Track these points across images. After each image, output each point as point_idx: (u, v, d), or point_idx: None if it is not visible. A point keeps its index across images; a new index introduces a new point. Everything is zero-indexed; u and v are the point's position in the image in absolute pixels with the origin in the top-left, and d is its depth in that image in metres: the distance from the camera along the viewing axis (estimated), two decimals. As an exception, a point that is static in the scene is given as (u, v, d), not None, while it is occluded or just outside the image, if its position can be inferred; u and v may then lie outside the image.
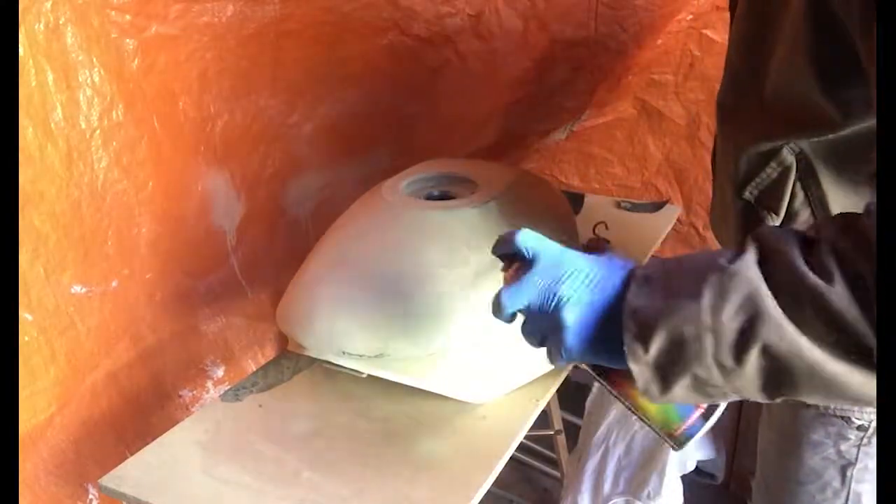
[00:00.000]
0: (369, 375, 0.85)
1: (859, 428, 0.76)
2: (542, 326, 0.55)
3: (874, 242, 0.43)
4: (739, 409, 1.35)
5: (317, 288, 0.87)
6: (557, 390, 0.99)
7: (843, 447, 0.77)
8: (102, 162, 0.91)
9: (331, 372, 0.87)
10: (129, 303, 1.00)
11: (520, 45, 1.33)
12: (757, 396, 0.49)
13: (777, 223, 0.71)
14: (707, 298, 0.46)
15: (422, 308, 0.84)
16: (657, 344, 0.48)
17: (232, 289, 1.17)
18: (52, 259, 0.88)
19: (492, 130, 1.39)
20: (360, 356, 0.84)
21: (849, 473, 0.78)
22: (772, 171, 0.69)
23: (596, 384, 1.05)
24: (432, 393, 0.87)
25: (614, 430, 0.99)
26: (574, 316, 0.52)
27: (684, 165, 1.53)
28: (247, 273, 1.19)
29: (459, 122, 1.40)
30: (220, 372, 1.19)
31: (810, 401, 0.52)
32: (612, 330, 0.50)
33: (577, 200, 1.38)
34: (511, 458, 0.83)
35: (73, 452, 0.98)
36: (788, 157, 0.67)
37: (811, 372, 0.45)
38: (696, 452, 0.90)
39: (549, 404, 1.41)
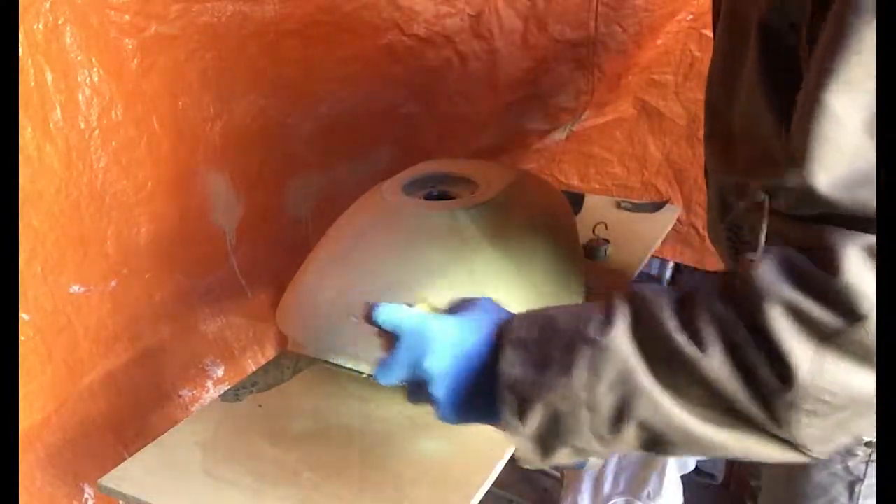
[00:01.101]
0: (369, 375, 0.85)
1: (867, 444, 0.74)
2: (419, 398, 0.55)
3: (749, 304, 0.42)
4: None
5: (317, 288, 0.87)
6: (557, 390, 0.99)
7: (851, 463, 0.75)
8: (101, 162, 0.91)
9: (331, 372, 0.87)
10: (128, 303, 1.00)
11: (520, 45, 1.33)
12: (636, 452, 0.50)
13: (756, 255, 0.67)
14: (580, 374, 0.46)
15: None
16: (535, 419, 0.48)
17: (232, 289, 1.17)
18: (50, 259, 0.88)
19: (492, 130, 1.39)
20: (360, 356, 0.84)
21: (857, 489, 0.76)
22: (744, 206, 0.65)
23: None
24: (432, 393, 0.87)
25: (614, 430, 0.99)
26: (444, 390, 0.52)
27: (684, 165, 1.53)
28: (246, 273, 1.19)
29: (459, 122, 1.40)
30: (219, 372, 1.19)
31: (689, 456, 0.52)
32: (486, 398, 0.50)
33: (577, 200, 1.38)
34: (511, 458, 0.83)
35: (70, 452, 0.97)
36: (759, 193, 0.62)
37: (687, 439, 0.45)
38: (696, 452, 0.90)
39: (548, 404, 1.41)
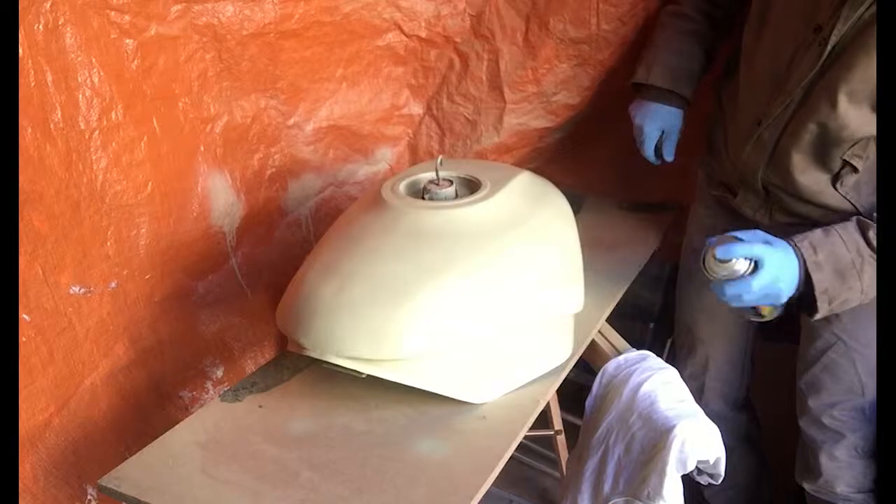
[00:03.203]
0: (369, 375, 0.85)
1: None
2: (757, 304, 0.93)
3: None
4: (741, 411, 1.36)
5: (317, 288, 0.87)
6: (557, 390, 0.99)
7: None
8: (101, 162, 0.91)
9: (331, 372, 0.87)
10: (128, 303, 1.00)
11: (521, 43, 1.33)
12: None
13: None
14: (866, 279, 0.89)
15: (421, 308, 0.84)
16: (835, 305, 0.91)
17: (231, 289, 1.17)
18: (50, 259, 0.88)
19: (494, 130, 1.39)
20: (360, 356, 0.84)
21: None
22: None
23: (596, 384, 1.06)
24: (432, 393, 0.87)
25: (614, 430, 0.99)
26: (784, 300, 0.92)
27: (684, 165, 1.53)
28: (246, 273, 1.19)
29: (461, 123, 1.40)
30: (219, 372, 1.19)
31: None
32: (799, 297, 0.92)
33: (577, 200, 1.38)
34: (511, 458, 0.83)
35: (72, 453, 0.97)
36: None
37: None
38: (696, 452, 0.90)
39: (549, 404, 1.41)
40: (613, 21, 1.29)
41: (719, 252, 0.88)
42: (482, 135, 1.42)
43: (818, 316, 0.91)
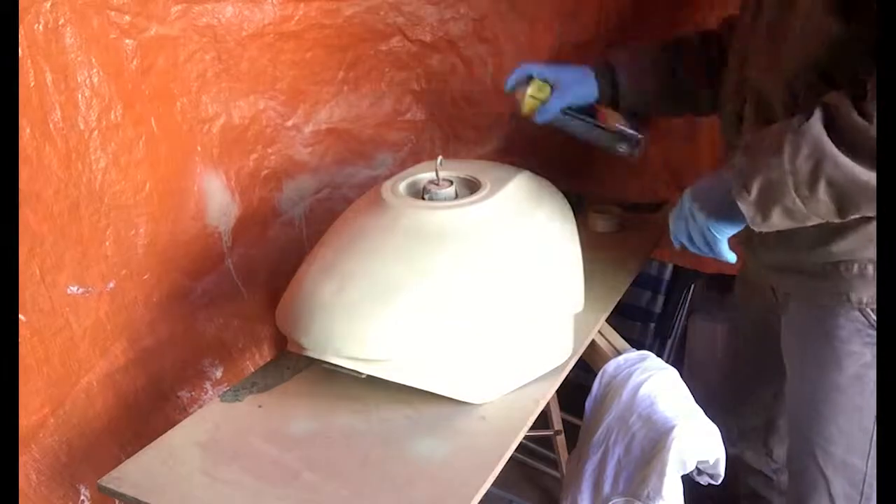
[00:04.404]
0: (369, 375, 0.85)
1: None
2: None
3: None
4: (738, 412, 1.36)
5: (316, 288, 0.87)
6: (557, 390, 0.99)
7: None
8: (100, 162, 0.91)
9: (330, 372, 0.87)
10: (126, 303, 1.00)
11: (526, 46, 1.32)
12: (833, 217, 0.72)
13: None
14: (787, 150, 0.70)
15: (422, 308, 0.83)
16: (755, 188, 0.73)
17: (228, 289, 1.17)
18: (48, 259, 0.88)
19: (499, 133, 1.39)
20: (360, 356, 0.84)
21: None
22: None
23: (596, 384, 1.06)
24: (432, 393, 0.86)
25: (614, 430, 0.99)
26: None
27: (683, 166, 1.53)
28: (242, 274, 1.18)
29: (466, 128, 1.39)
30: (218, 373, 1.18)
31: (870, 214, 0.73)
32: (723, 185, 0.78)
33: (577, 201, 1.37)
34: (511, 458, 0.83)
35: (66, 454, 0.97)
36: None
37: (864, 189, 0.67)
38: (696, 452, 0.90)
39: (548, 404, 1.41)
40: (618, 24, 1.30)
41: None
42: (487, 139, 1.41)
43: (741, 204, 0.75)
